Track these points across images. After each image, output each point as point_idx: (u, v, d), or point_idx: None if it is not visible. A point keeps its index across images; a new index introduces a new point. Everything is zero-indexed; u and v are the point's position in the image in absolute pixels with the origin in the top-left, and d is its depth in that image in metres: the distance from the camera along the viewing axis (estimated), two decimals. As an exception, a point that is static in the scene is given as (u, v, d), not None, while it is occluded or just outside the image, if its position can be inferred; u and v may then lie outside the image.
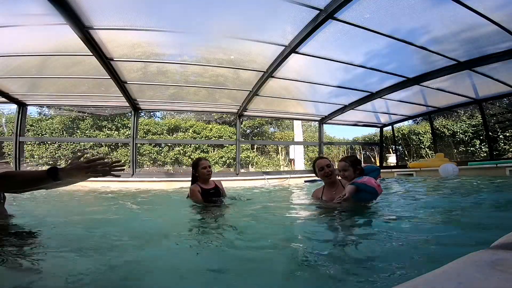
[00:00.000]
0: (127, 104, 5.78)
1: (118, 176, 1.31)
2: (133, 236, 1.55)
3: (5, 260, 1.06)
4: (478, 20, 3.22)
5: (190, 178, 2.96)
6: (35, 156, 9.52)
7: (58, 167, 1.22)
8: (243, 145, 11.16)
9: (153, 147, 10.41)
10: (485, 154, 9.34)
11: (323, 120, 7.49)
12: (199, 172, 2.75)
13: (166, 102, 6.23)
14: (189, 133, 10.81)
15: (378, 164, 9.78)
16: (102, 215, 2.20)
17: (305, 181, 6.31)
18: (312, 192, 2.68)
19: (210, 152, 10.85)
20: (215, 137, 10.87)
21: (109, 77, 4.42)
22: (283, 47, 3.78)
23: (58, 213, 2.51)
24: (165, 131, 10.79)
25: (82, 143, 9.89)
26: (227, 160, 10.78)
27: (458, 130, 10.38)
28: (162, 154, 10.52)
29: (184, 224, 1.89)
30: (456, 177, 5.26)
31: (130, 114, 9.05)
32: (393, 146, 11.00)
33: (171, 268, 1.08)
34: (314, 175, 2.55)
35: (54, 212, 2.58)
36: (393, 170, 7.51)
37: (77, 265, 1.09)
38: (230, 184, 5.80)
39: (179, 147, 10.63)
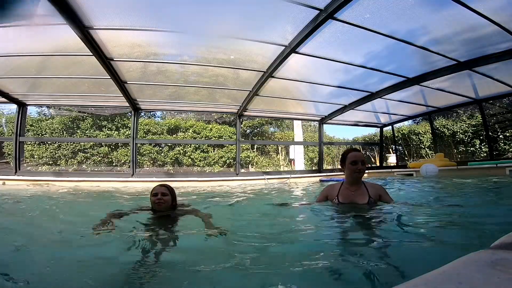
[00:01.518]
0: (127, 104, 5.78)
1: None
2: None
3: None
4: (478, 20, 3.22)
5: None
6: (35, 156, 9.52)
7: None
8: (243, 145, 11.16)
9: (153, 147, 10.41)
10: (485, 154, 9.33)
11: (323, 120, 7.49)
12: (150, 200, 2.13)
13: (166, 102, 6.23)
14: (189, 133, 10.81)
15: (378, 164, 9.79)
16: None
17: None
18: (323, 190, 2.34)
19: (210, 152, 10.85)
20: (215, 137, 10.87)
21: (109, 77, 4.42)
22: (283, 47, 3.78)
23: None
24: (165, 131, 10.79)
25: (82, 143, 9.89)
26: (227, 160, 10.78)
27: (458, 130, 10.38)
28: (162, 154, 10.52)
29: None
30: (434, 177, 5.39)
31: (130, 114, 9.06)
32: (393, 146, 11.00)
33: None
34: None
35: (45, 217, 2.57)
36: (393, 170, 7.51)
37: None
38: (230, 184, 5.81)
39: (179, 147, 10.63)
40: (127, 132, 10.20)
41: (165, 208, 2.09)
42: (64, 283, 1.01)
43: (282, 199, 3.56)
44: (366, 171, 7.75)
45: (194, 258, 1.24)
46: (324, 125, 7.65)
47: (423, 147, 11.42)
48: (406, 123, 11.53)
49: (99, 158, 9.98)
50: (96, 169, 9.65)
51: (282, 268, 1.09)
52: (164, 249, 1.39)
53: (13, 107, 6.00)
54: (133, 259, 1.21)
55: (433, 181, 5.04)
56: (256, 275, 1.03)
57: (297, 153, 11.91)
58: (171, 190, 2.18)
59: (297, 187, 5.18)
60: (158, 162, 10.53)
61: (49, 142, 9.72)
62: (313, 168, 10.89)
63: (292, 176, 6.79)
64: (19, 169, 5.66)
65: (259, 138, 12.88)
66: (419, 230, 1.51)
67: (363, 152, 13.35)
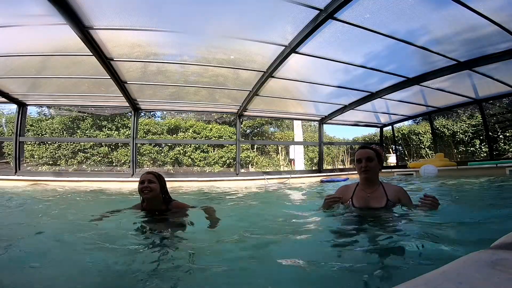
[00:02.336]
0: (127, 104, 5.78)
1: None
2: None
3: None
4: (479, 20, 3.22)
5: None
6: (35, 156, 9.52)
7: None
8: (243, 145, 11.16)
9: (153, 147, 10.41)
10: (485, 154, 9.33)
11: (323, 120, 7.49)
12: (138, 190, 2.01)
13: (166, 102, 6.23)
14: (189, 133, 10.81)
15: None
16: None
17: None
18: (336, 191, 2.10)
19: (210, 152, 10.86)
20: (215, 137, 10.87)
21: (109, 77, 4.42)
22: (283, 47, 3.78)
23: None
24: (165, 131, 10.79)
25: (82, 143, 9.89)
26: (227, 160, 10.77)
27: (458, 130, 10.38)
28: (162, 154, 10.52)
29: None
30: (434, 178, 5.39)
31: (130, 114, 9.06)
32: (393, 146, 11.00)
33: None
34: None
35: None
36: (393, 170, 7.52)
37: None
38: (230, 184, 5.81)
39: (179, 147, 10.63)
40: (127, 132, 10.19)
41: (152, 197, 1.97)
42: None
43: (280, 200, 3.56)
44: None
45: (187, 257, 1.24)
46: (324, 125, 7.65)
47: (423, 147, 11.41)
48: (406, 123, 11.53)
49: (99, 158, 9.98)
50: (96, 169, 9.65)
51: (280, 271, 1.09)
52: (153, 249, 1.36)
53: (13, 107, 6.00)
54: (118, 261, 1.19)
55: (433, 181, 5.04)
56: (256, 278, 1.03)
57: (297, 153, 11.91)
58: (159, 177, 2.05)
59: (297, 187, 5.18)
60: (158, 162, 10.53)
61: (49, 142, 9.72)
62: (313, 168, 10.89)
63: (292, 176, 6.79)
64: (19, 169, 5.66)
65: (259, 138, 12.88)
66: (419, 230, 1.51)
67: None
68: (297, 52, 3.81)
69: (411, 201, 1.87)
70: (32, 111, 10.60)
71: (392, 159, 10.45)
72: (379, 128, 8.59)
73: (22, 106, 5.80)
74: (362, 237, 1.47)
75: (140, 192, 1.97)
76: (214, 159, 10.69)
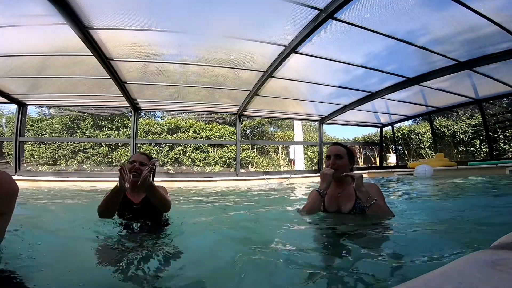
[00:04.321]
0: (127, 104, 5.79)
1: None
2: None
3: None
4: (479, 20, 3.22)
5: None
6: (35, 156, 9.53)
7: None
8: (243, 145, 11.16)
9: (153, 147, 10.42)
10: (485, 154, 9.34)
11: (323, 120, 7.49)
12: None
13: (166, 102, 6.23)
14: (189, 133, 10.81)
15: (378, 164, 9.79)
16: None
17: None
18: (311, 192, 1.93)
19: (210, 152, 10.86)
20: (215, 137, 10.87)
21: (109, 77, 4.42)
22: (283, 47, 3.78)
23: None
24: (165, 131, 10.80)
25: (82, 143, 9.89)
26: (227, 160, 10.78)
27: (458, 130, 10.38)
28: (162, 154, 10.53)
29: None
30: (429, 179, 5.41)
31: (130, 114, 9.06)
32: (393, 146, 11.00)
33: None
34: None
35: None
36: (393, 170, 7.52)
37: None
38: (230, 184, 5.81)
39: (179, 147, 10.63)
40: (127, 132, 10.20)
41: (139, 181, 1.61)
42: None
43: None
44: (366, 171, 7.77)
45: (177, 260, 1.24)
46: (324, 125, 7.66)
47: (423, 147, 11.42)
48: (406, 123, 11.54)
49: (99, 158, 9.98)
50: (96, 169, 9.66)
51: (278, 273, 1.09)
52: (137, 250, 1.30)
53: (13, 107, 6.01)
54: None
55: (432, 181, 5.04)
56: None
57: (297, 153, 11.91)
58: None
59: (297, 187, 5.18)
60: (158, 162, 10.53)
61: (49, 142, 9.73)
62: (313, 168, 10.89)
63: (292, 176, 6.79)
64: (19, 169, 5.66)
65: (259, 138, 12.88)
66: (418, 230, 1.51)
67: (363, 152, 13.29)
68: (297, 52, 3.81)
69: (380, 199, 1.69)
70: (32, 111, 10.62)
71: (392, 159, 10.46)
72: (379, 128, 8.60)
73: (22, 106, 5.80)
74: (360, 237, 1.47)
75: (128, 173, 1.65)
76: (214, 159, 10.69)
